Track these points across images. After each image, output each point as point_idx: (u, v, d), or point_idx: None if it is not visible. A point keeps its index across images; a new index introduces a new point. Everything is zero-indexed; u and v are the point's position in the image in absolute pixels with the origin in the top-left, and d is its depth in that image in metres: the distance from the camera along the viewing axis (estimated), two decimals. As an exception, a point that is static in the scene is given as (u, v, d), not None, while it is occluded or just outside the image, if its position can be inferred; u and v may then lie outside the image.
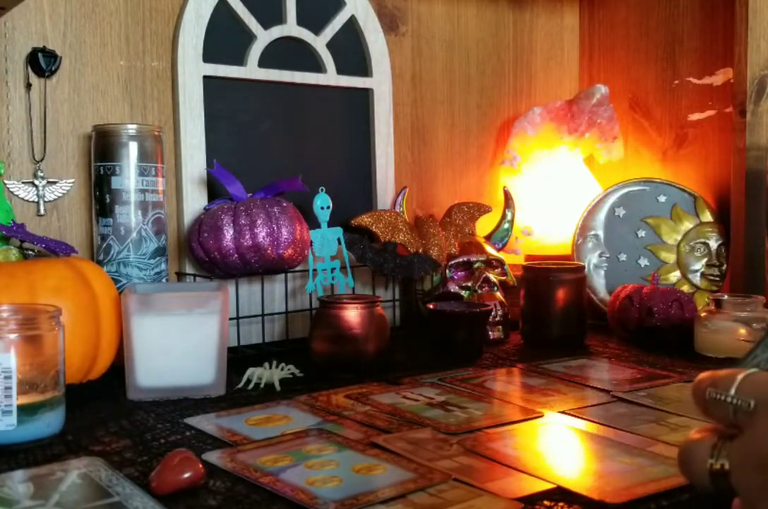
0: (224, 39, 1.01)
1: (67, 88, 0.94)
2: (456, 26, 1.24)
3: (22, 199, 0.91)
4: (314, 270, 0.98)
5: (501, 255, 1.09)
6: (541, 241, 1.24)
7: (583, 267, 1.03)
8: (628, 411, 0.70)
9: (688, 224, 1.15)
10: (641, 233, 1.16)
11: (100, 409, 0.71)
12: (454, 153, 1.25)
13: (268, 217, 0.90)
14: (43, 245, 0.80)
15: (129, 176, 0.88)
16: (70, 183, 0.94)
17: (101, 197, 0.88)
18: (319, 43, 1.07)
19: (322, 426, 0.65)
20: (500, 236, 1.14)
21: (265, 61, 1.03)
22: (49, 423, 0.62)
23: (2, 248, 0.79)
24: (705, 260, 1.14)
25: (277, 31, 1.04)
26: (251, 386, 0.78)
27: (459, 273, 1.06)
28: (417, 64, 1.21)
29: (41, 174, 0.92)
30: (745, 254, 1.08)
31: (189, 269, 0.98)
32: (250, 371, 0.80)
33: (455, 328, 0.90)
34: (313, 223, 0.98)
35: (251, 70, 1.02)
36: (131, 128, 0.88)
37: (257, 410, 0.70)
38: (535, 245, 1.24)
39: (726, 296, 0.94)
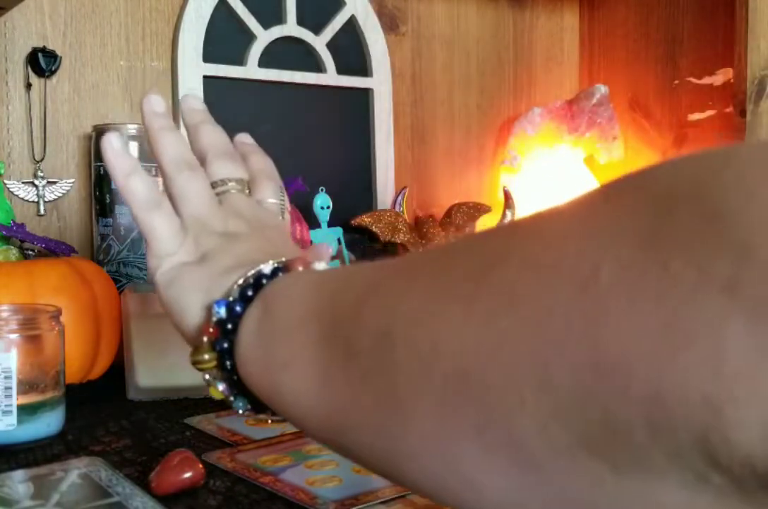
0: (224, 39, 1.01)
1: (67, 88, 0.94)
2: (456, 26, 1.24)
3: (22, 199, 0.91)
4: (314, 270, 0.98)
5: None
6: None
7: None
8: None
9: (688, 224, 1.14)
10: (641, 233, 1.15)
11: (100, 409, 0.71)
12: (454, 153, 1.25)
13: (268, 217, 0.90)
14: (43, 245, 0.80)
15: (129, 176, 0.88)
16: (70, 183, 0.94)
17: (101, 197, 0.88)
18: (319, 43, 1.07)
19: (322, 425, 0.65)
20: (500, 236, 1.14)
21: (265, 61, 1.03)
22: (49, 422, 0.62)
23: (2, 248, 0.79)
24: (705, 260, 1.14)
25: (277, 31, 1.04)
26: (251, 386, 0.78)
27: (459, 273, 1.06)
28: (417, 64, 1.21)
29: (41, 174, 0.92)
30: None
31: (189, 269, 0.98)
32: (250, 371, 0.80)
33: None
34: (313, 223, 0.98)
35: (251, 70, 1.02)
36: (132, 128, 0.88)
37: (257, 410, 0.70)
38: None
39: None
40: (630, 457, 0.18)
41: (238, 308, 0.34)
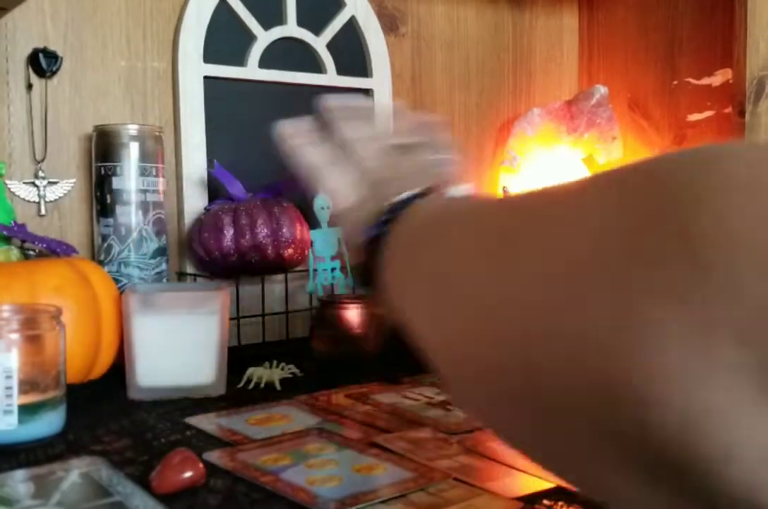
0: (225, 40, 1.01)
1: (67, 89, 0.94)
2: (456, 27, 1.24)
3: (23, 199, 0.92)
4: (314, 270, 0.98)
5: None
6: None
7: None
8: (627, 411, 0.70)
9: (687, 225, 1.15)
10: (640, 234, 1.16)
11: (101, 409, 0.71)
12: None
13: (269, 217, 0.90)
14: (44, 245, 0.81)
15: (130, 177, 0.88)
16: (71, 183, 0.94)
17: (102, 197, 0.89)
18: (320, 43, 1.07)
19: (322, 425, 0.65)
20: (500, 237, 1.14)
21: (265, 62, 1.03)
22: (50, 422, 0.62)
23: (3, 248, 0.79)
24: (704, 260, 1.14)
25: (277, 32, 1.04)
26: (251, 385, 0.79)
27: (459, 273, 1.06)
28: (417, 65, 1.21)
29: (42, 174, 0.92)
30: (744, 254, 1.08)
31: (189, 269, 0.98)
32: (250, 370, 0.80)
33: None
34: (313, 223, 0.98)
35: (252, 70, 1.02)
36: (132, 129, 0.89)
37: (257, 409, 0.70)
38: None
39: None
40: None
41: (381, 229, 0.40)
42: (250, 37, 1.02)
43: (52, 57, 0.91)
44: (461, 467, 0.55)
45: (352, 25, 1.10)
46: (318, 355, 0.86)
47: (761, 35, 1.05)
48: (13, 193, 0.91)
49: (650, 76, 1.25)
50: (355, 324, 0.85)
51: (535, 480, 0.53)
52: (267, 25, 1.03)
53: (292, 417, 0.68)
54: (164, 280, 0.91)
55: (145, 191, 0.88)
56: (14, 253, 0.79)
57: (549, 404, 0.22)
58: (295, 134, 0.50)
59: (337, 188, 0.48)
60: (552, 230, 0.24)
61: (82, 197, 0.95)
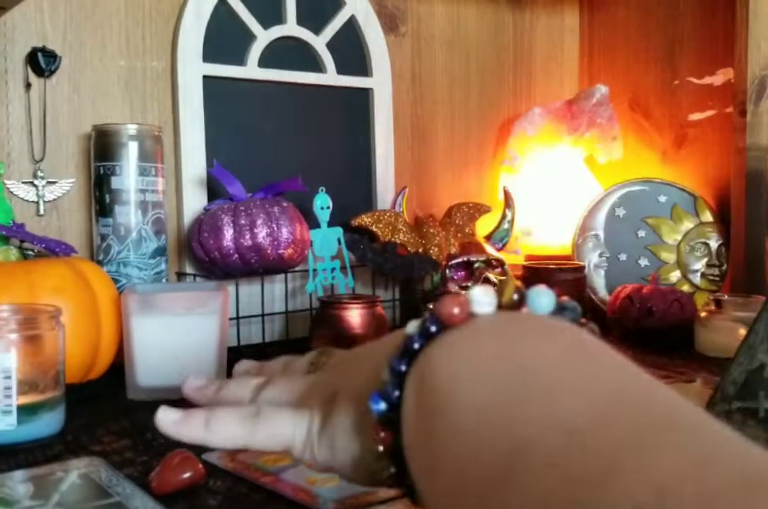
0: (224, 39, 1.01)
1: (66, 88, 0.94)
2: (456, 27, 1.24)
3: (22, 199, 0.91)
4: (314, 270, 0.98)
5: (501, 255, 1.09)
6: (541, 241, 1.24)
7: (583, 267, 1.03)
8: (628, 411, 0.69)
9: (688, 224, 1.15)
10: (641, 233, 1.16)
11: (100, 409, 0.71)
12: (454, 153, 1.25)
13: (268, 217, 0.90)
14: (43, 245, 0.80)
15: (129, 176, 0.88)
16: (69, 183, 0.94)
17: (101, 197, 0.88)
18: (319, 43, 1.07)
19: (322, 425, 0.65)
20: (500, 236, 1.14)
21: (265, 61, 1.03)
22: (49, 422, 0.62)
23: (2, 248, 0.79)
24: (705, 260, 1.14)
25: (277, 31, 1.04)
26: (251, 386, 0.78)
27: (459, 273, 1.06)
28: (417, 65, 1.21)
29: (41, 174, 0.92)
30: (745, 254, 1.08)
31: (189, 269, 0.98)
32: (250, 371, 0.80)
33: (455, 328, 0.90)
34: (313, 223, 0.98)
35: (251, 70, 1.02)
36: (131, 128, 0.88)
37: (257, 410, 0.70)
38: (536, 246, 1.24)
39: (726, 296, 0.94)
40: None
41: (395, 392, 0.28)
42: (250, 37, 1.02)
43: (51, 56, 0.91)
44: (462, 467, 0.55)
45: (352, 25, 1.10)
46: (318, 355, 0.86)
47: (762, 34, 1.05)
48: (11, 193, 0.91)
49: (651, 75, 1.25)
50: (355, 324, 0.84)
51: (536, 480, 0.53)
52: (267, 25, 1.03)
53: (292, 417, 0.68)
54: (164, 280, 0.91)
55: (144, 191, 0.88)
56: (13, 253, 0.79)
57: None
58: (179, 418, 0.37)
59: (281, 432, 0.34)
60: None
61: (81, 197, 0.95)
